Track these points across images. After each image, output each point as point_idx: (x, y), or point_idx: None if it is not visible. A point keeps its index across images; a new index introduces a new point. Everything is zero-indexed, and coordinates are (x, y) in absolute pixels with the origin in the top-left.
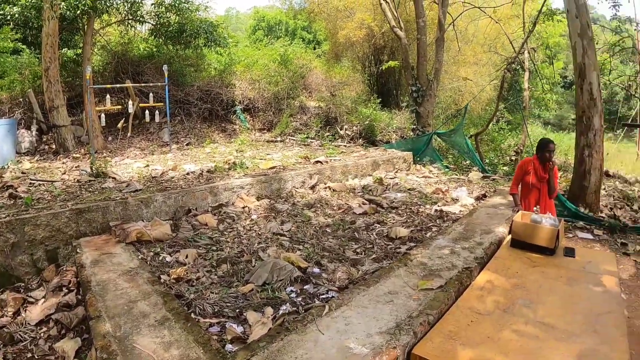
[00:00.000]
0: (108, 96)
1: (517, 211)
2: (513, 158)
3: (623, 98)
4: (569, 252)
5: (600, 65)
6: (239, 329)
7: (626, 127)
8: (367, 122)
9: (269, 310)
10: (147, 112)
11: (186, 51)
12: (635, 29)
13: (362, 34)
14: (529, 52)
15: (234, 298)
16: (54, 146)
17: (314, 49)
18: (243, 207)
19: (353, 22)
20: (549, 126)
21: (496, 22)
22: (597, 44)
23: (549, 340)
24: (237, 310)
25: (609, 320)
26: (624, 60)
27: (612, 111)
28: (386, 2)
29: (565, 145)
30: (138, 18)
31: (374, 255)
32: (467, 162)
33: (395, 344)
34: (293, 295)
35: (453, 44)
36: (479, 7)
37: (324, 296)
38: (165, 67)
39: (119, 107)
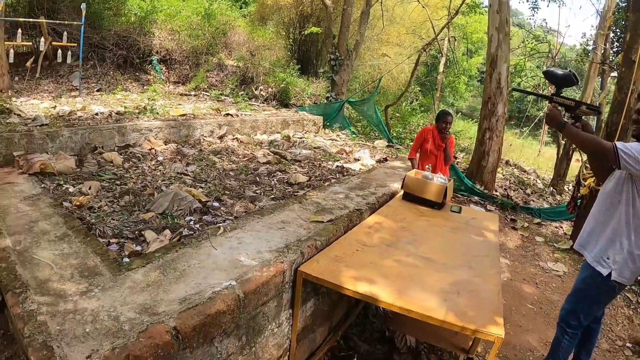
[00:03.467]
0: (20, 31)
1: None
2: None
3: (533, 99)
4: (456, 209)
5: (515, 65)
6: (137, 248)
7: (517, 92)
8: (283, 85)
9: (168, 232)
10: (59, 51)
11: None
12: (549, 36)
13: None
14: (449, 40)
15: (134, 223)
16: None
17: (240, 7)
18: (150, 149)
19: None
20: (460, 114)
21: (423, 7)
22: (517, 47)
23: (427, 269)
24: (136, 232)
25: (485, 260)
26: (540, 65)
27: (522, 110)
28: None
29: (472, 132)
30: None
31: (272, 196)
32: (376, 132)
33: (283, 260)
34: (192, 223)
35: (379, 22)
36: None
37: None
38: (83, 6)
39: (29, 43)
